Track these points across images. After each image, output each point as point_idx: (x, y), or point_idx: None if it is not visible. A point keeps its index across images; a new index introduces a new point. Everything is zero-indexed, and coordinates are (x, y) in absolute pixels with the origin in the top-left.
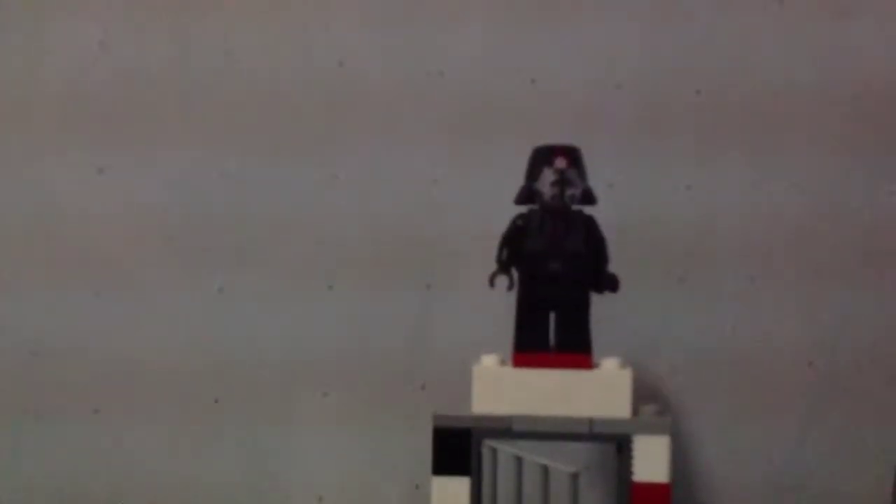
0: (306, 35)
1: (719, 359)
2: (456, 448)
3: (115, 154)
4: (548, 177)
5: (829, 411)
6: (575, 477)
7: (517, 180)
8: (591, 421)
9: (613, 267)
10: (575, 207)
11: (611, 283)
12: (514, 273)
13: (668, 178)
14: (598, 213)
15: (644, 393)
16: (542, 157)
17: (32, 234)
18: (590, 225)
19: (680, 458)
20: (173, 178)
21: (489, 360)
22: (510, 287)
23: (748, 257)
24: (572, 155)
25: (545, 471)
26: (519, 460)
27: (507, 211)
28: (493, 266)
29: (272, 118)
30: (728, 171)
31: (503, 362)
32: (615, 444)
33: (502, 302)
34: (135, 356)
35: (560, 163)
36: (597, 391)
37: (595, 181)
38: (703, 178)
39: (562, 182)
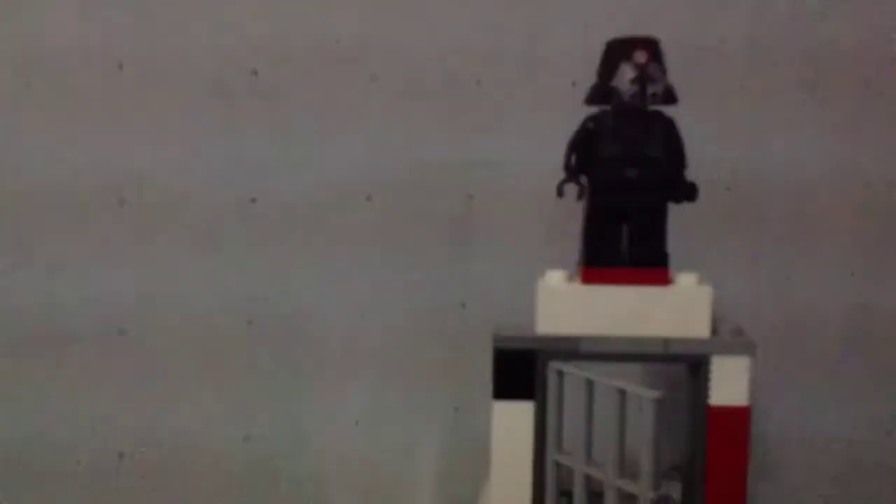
0: None
1: None
2: (519, 371)
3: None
4: (626, 73)
5: None
6: (658, 402)
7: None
8: (666, 341)
9: None
10: (653, 107)
11: (689, 192)
12: (584, 180)
13: None
14: None
15: None
16: (618, 50)
17: None
18: (669, 128)
19: None
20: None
21: (554, 277)
22: (579, 196)
23: None
24: (653, 48)
25: (622, 395)
26: (590, 384)
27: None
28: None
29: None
30: None
31: (570, 278)
32: (689, 365)
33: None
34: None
35: (641, 57)
36: (673, 309)
37: None
38: None
39: (643, 78)
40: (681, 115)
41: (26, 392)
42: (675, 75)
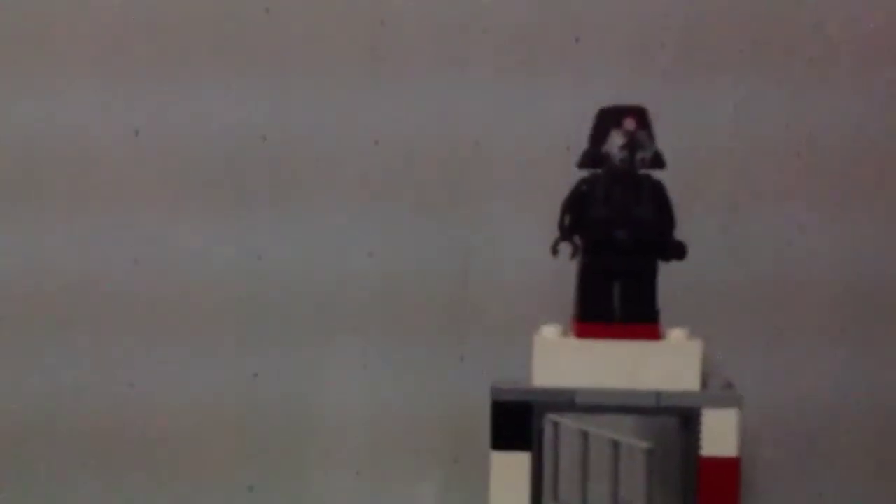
0: None
1: None
2: (516, 422)
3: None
4: (616, 139)
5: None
6: (650, 452)
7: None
8: (658, 394)
9: None
10: (642, 171)
11: (678, 251)
12: (577, 240)
13: None
14: None
15: None
16: (609, 117)
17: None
18: (658, 190)
19: None
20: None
21: (550, 331)
22: (573, 255)
23: None
24: (641, 116)
25: (615, 446)
26: (584, 435)
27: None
28: (534, 231)
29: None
30: None
31: (565, 333)
32: (680, 417)
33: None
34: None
35: (630, 124)
36: (664, 363)
37: None
38: None
39: (632, 145)
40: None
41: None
42: None
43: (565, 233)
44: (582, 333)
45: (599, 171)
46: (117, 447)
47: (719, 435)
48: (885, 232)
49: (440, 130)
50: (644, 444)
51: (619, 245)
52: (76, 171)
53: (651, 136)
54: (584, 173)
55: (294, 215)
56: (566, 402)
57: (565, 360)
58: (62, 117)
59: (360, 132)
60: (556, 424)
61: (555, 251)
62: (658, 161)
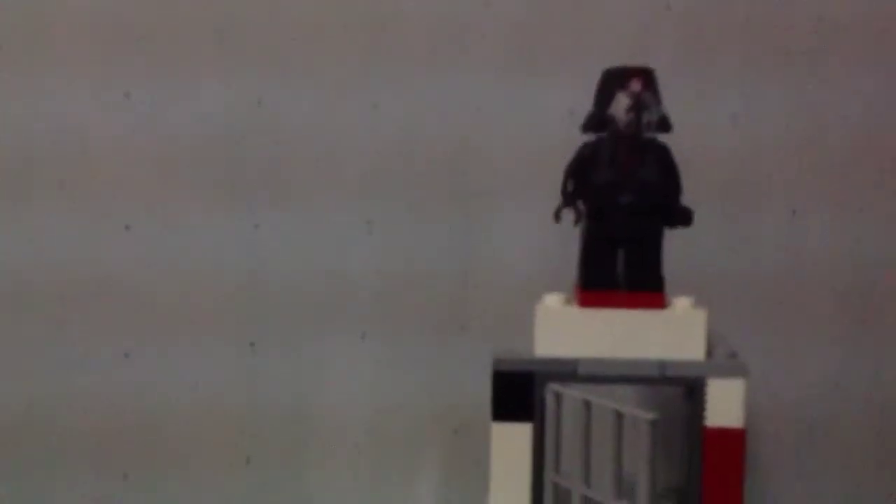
0: None
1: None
2: (517, 392)
3: (144, 80)
4: (622, 101)
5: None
6: (654, 423)
7: (563, 104)
8: (662, 363)
9: None
10: (648, 135)
11: (684, 217)
12: (581, 206)
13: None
14: None
15: None
16: (614, 79)
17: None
18: (664, 154)
19: None
20: (207, 108)
21: (553, 300)
22: (576, 221)
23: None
24: (648, 77)
25: (618, 416)
26: (587, 405)
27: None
28: (535, 197)
29: (311, 45)
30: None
31: (568, 301)
32: (684, 387)
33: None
34: (166, 295)
35: (636, 86)
36: (668, 332)
37: None
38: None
39: (638, 107)
40: None
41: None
42: None
43: (568, 198)
44: (585, 302)
45: (604, 135)
46: (116, 438)
47: (724, 405)
48: (887, 226)
49: (440, 107)
50: (648, 415)
51: (624, 210)
52: (73, 166)
53: (658, 98)
54: (589, 137)
55: (293, 207)
56: (569, 371)
57: (568, 330)
58: (58, 112)
59: (359, 116)
60: (558, 395)
61: (557, 217)
62: (664, 124)
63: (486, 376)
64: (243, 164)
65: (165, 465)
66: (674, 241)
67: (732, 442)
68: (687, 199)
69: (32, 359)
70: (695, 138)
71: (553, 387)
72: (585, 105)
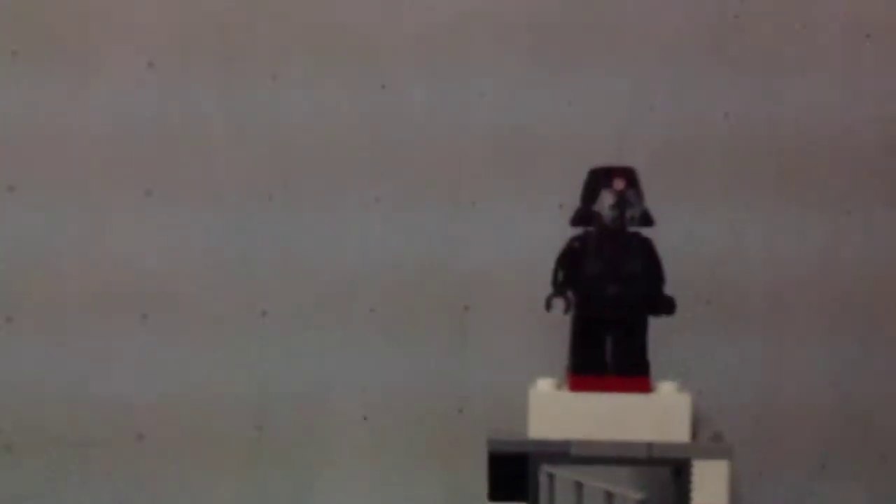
0: None
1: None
2: (512, 474)
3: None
4: (606, 198)
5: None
6: (642, 503)
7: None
8: (650, 445)
9: None
10: (632, 229)
11: (667, 306)
12: (570, 295)
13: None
14: None
15: None
16: (599, 178)
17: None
18: (647, 247)
19: None
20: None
21: (545, 384)
22: (566, 310)
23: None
24: (630, 176)
25: (608, 497)
26: (579, 486)
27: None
28: (528, 288)
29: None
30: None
31: (559, 386)
32: (671, 468)
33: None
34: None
35: (619, 184)
36: (655, 415)
37: None
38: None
39: (622, 203)
40: None
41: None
42: None
43: (559, 288)
44: (576, 386)
45: (591, 228)
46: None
47: (710, 486)
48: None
49: (429, 229)
50: (637, 495)
51: (611, 300)
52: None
53: (640, 195)
54: (577, 231)
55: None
56: (561, 453)
57: (560, 413)
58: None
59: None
60: (551, 476)
61: (548, 306)
62: (646, 219)
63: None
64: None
65: None
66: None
67: None
68: None
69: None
70: None
71: (546, 468)
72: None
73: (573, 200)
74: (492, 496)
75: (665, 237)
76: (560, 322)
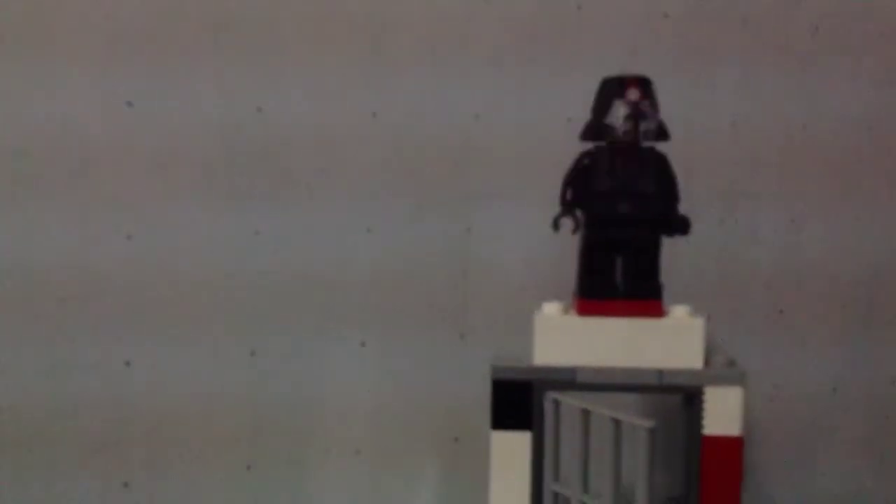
0: None
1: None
2: (516, 401)
3: (146, 86)
4: (619, 110)
5: None
6: (652, 431)
7: (562, 108)
8: (660, 372)
9: None
10: (646, 143)
11: (682, 226)
12: (579, 214)
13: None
14: None
15: None
16: (612, 88)
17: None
18: (662, 163)
19: None
20: (207, 112)
21: (551, 308)
22: (575, 230)
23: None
24: (645, 86)
25: (617, 425)
26: (586, 413)
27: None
28: (534, 205)
29: (313, 50)
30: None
31: (566, 310)
32: (683, 396)
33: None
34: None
35: (633, 94)
36: (667, 341)
37: None
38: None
39: (636, 115)
40: None
41: None
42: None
43: (567, 207)
44: (583, 310)
45: (603, 143)
46: (118, 431)
47: (722, 413)
48: (886, 223)
49: (440, 109)
50: (646, 423)
51: (622, 219)
52: (73, 159)
53: (655, 107)
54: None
55: (293, 198)
56: (567, 380)
57: (566, 338)
58: (58, 107)
59: (359, 113)
60: (557, 403)
61: (556, 226)
62: (662, 133)
63: (485, 385)
64: (244, 157)
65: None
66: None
67: (730, 450)
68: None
69: (34, 361)
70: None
71: (552, 395)
72: (583, 113)
73: (583, 114)
74: (495, 424)
75: None
76: (569, 242)
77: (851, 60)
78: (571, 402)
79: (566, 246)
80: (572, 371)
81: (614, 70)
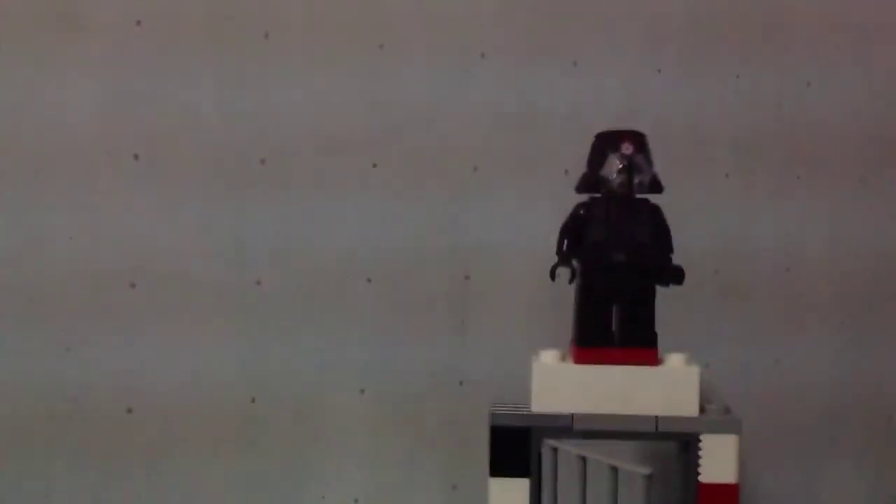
0: None
1: None
2: (515, 448)
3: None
4: (614, 163)
5: None
6: (649, 478)
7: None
8: (656, 419)
9: None
10: (640, 195)
11: (676, 276)
12: (576, 264)
13: None
14: None
15: None
16: (607, 142)
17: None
18: (655, 214)
19: None
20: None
21: (549, 356)
22: (571, 279)
23: None
24: (639, 140)
25: (614, 471)
26: (583, 460)
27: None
28: (531, 256)
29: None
30: None
31: (563, 358)
32: (679, 443)
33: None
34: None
35: (627, 148)
36: (663, 388)
37: None
38: None
39: (630, 168)
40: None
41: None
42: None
43: (564, 257)
44: (580, 358)
45: (598, 195)
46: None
47: (718, 461)
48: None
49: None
50: (643, 470)
51: (618, 268)
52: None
53: (648, 160)
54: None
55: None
56: (565, 427)
57: (564, 385)
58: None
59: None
60: (554, 450)
61: (553, 275)
62: (655, 185)
63: (483, 431)
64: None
65: None
66: None
67: (726, 497)
68: None
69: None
70: None
71: (550, 442)
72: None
73: (579, 167)
74: (494, 471)
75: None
76: (565, 292)
77: (842, 116)
78: (569, 448)
79: (564, 295)
80: (570, 418)
81: (609, 124)
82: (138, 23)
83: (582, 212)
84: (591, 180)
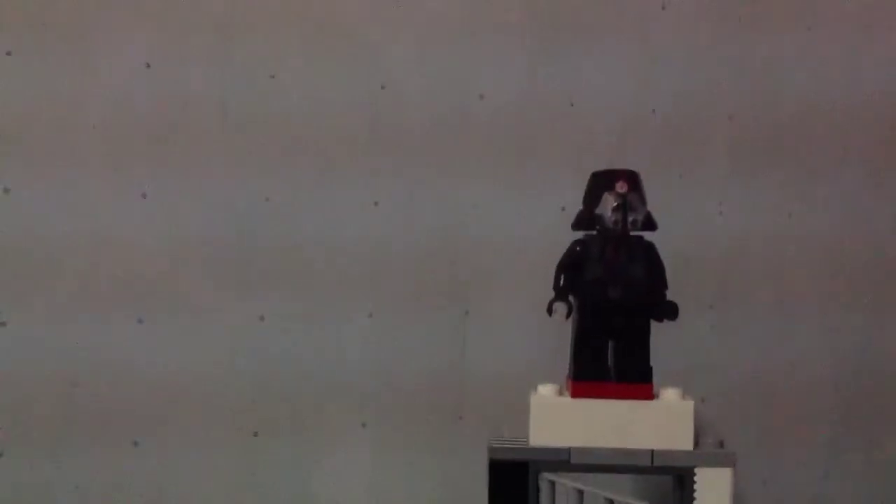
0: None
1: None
2: (513, 482)
3: (158, 178)
4: (609, 202)
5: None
6: None
7: (555, 203)
8: (652, 453)
9: None
10: (635, 233)
11: (670, 311)
12: (572, 300)
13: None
14: None
15: None
16: (602, 181)
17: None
18: (650, 251)
19: None
20: (216, 203)
21: (546, 390)
22: (568, 315)
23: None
24: (633, 179)
25: None
26: (580, 494)
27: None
28: (529, 291)
29: (315, 142)
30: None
31: (560, 392)
32: (674, 476)
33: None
34: (176, 385)
35: (622, 187)
36: (658, 422)
37: None
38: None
39: (624, 207)
40: None
41: None
42: None
43: (560, 293)
44: (577, 393)
45: (594, 232)
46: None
47: (713, 494)
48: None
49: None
50: (640, 503)
51: (613, 305)
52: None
53: (643, 199)
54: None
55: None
56: (562, 460)
57: (561, 420)
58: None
59: (361, 202)
60: (552, 483)
61: (550, 311)
62: (650, 223)
63: (481, 465)
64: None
65: None
66: None
67: None
68: None
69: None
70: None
71: (547, 475)
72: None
73: (575, 203)
74: None
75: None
76: (562, 327)
77: (840, 150)
78: (566, 482)
79: (560, 330)
80: (567, 452)
81: (604, 163)
82: None
83: (578, 249)
84: (586, 218)
